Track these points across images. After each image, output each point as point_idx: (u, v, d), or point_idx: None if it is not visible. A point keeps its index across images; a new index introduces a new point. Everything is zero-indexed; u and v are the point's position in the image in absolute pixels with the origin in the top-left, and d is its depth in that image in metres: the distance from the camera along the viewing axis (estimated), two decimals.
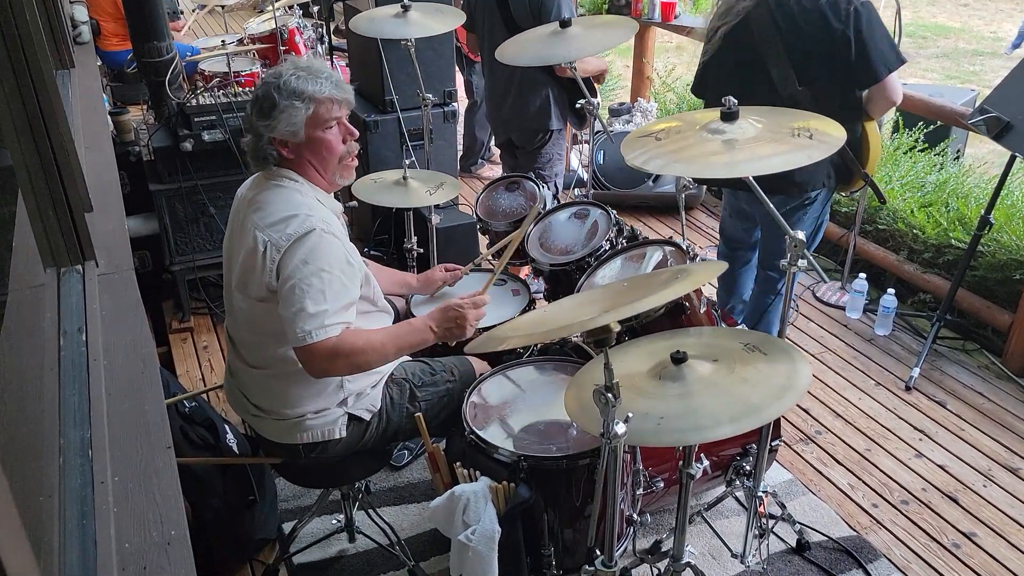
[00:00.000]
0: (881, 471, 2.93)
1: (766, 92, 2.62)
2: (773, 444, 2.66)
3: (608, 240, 2.43)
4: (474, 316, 2.12)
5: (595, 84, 3.55)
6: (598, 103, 2.73)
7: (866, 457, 3.00)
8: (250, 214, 2.00)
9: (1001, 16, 12.53)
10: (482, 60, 3.71)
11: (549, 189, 2.85)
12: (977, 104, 3.35)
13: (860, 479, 2.89)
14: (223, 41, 4.96)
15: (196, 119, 3.39)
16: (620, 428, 1.52)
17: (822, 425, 3.16)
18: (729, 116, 1.86)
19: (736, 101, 1.85)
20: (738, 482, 2.52)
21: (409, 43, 2.73)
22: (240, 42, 5.08)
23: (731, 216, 3.14)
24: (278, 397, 2.09)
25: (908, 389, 3.34)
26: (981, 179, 4.12)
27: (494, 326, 2.41)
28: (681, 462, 1.96)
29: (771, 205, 1.96)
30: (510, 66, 3.37)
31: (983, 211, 3.28)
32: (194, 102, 3.41)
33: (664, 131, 1.96)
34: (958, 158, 4.84)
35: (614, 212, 2.50)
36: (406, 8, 2.72)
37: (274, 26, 5.13)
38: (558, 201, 3.30)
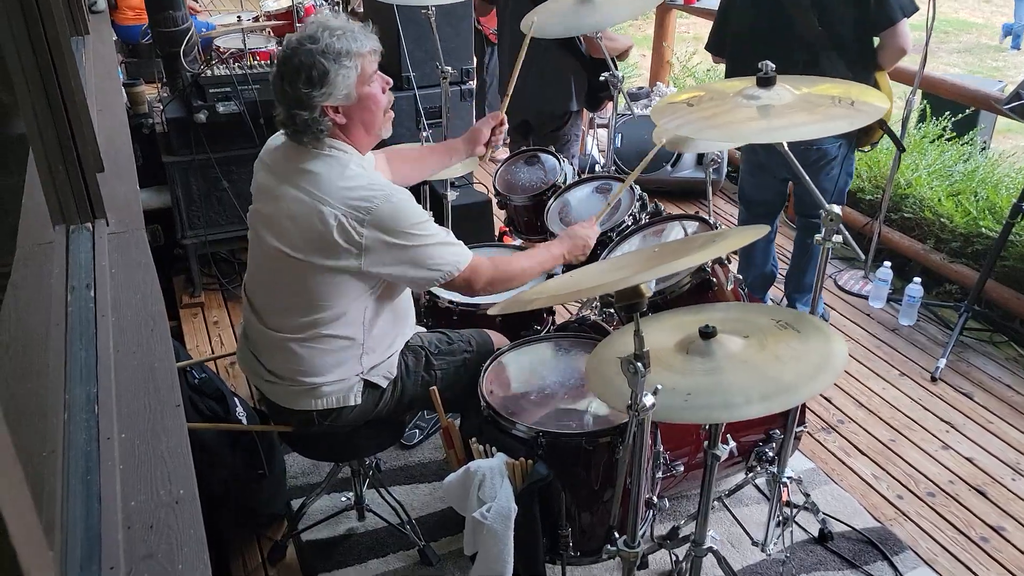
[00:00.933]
0: (906, 462, 2.85)
1: (787, 39, 2.63)
2: (797, 431, 2.59)
3: (631, 215, 2.36)
4: (594, 237, 2.23)
5: (617, 62, 3.47)
6: (621, 77, 2.64)
7: (890, 448, 2.92)
8: (303, 185, 1.89)
9: None
10: (500, 37, 3.64)
11: (571, 164, 2.77)
12: (1007, 92, 3.25)
13: (884, 470, 2.82)
14: (239, 17, 4.89)
15: (211, 90, 3.33)
16: (649, 400, 1.46)
17: (844, 414, 3.08)
18: (766, 81, 1.78)
19: (774, 66, 1.77)
20: (760, 468, 2.45)
21: (429, 11, 2.65)
22: (255, 19, 5.01)
23: (751, 174, 3.13)
24: (297, 363, 2.02)
25: (934, 380, 3.26)
26: (1012, 167, 4.02)
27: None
28: (707, 442, 1.89)
29: (804, 174, 1.89)
30: (531, 45, 3.31)
31: (1016, 199, 3.19)
32: (208, 73, 3.35)
33: (696, 98, 1.89)
34: (984, 149, 4.74)
35: (638, 187, 2.43)
36: None
37: (290, 3, 5.05)
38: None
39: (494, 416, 1.96)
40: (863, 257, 2.18)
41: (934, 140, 4.27)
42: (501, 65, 3.66)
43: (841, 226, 1.91)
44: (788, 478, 2.24)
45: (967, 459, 2.87)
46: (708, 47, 3.14)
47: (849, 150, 2.96)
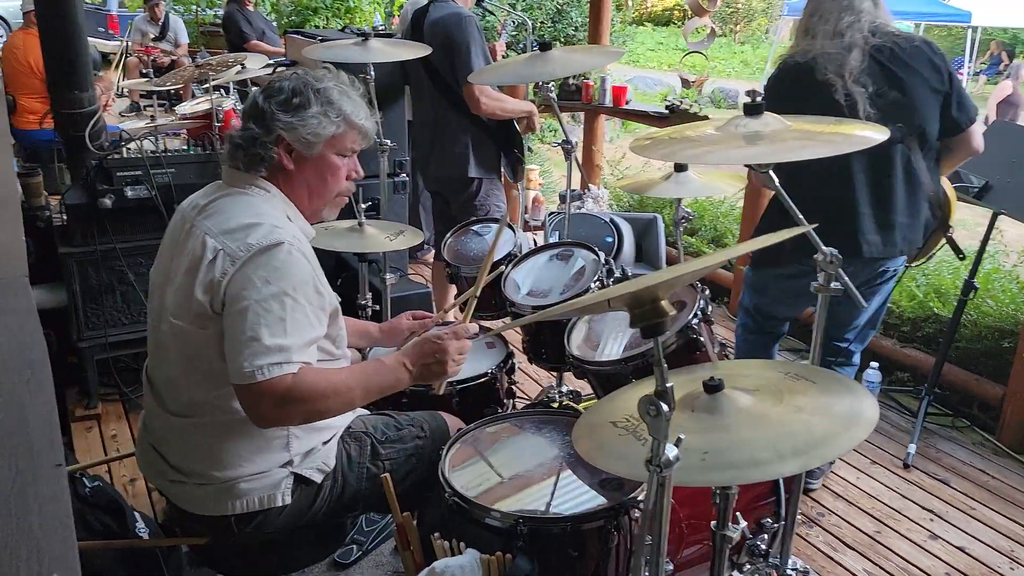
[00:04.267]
0: (897, 555, 2.60)
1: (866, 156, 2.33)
2: (781, 524, 2.32)
3: (598, 282, 2.14)
4: (456, 349, 1.75)
5: (521, 128, 3.36)
6: (574, 143, 2.49)
7: (878, 540, 2.67)
8: (200, 220, 1.65)
9: None
10: (413, 111, 3.57)
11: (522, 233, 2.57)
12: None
13: (877, 564, 2.55)
14: (152, 117, 4.65)
15: (119, 173, 3.03)
16: (672, 451, 1.18)
17: (823, 507, 2.84)
18: (753, 109, 1.63)
19: (763, 94, 1.63)
20: (751, 565, 2.15)
21: (369, 75, 2.48)
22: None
23: (778, 301, 2.77)
24: (205, 454, 1.66)
25: (907, 467, 3.07)
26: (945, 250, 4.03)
27: (470, 380, 2.07)
28: (714, 523, 1.60)
29: (788, 199, 1.69)
30: (431, 115, 3.23)
31: (966, 275, 3.14)
32: (117, 156, 3.06)
33: (675, 133, 1.73)
34: None
35: (603, 254, 2.22)
36: (366, 37, 2.49)
37: (208, 105, 4.85)
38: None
39: (461, 504, 1.62)
40: (864, 304, 2.01)
41: None
42: (412, 141, 3.55)
43: (840, 271, 1.74)
44: (795, 569, 1.95)
45: (958, 548, 2.64)
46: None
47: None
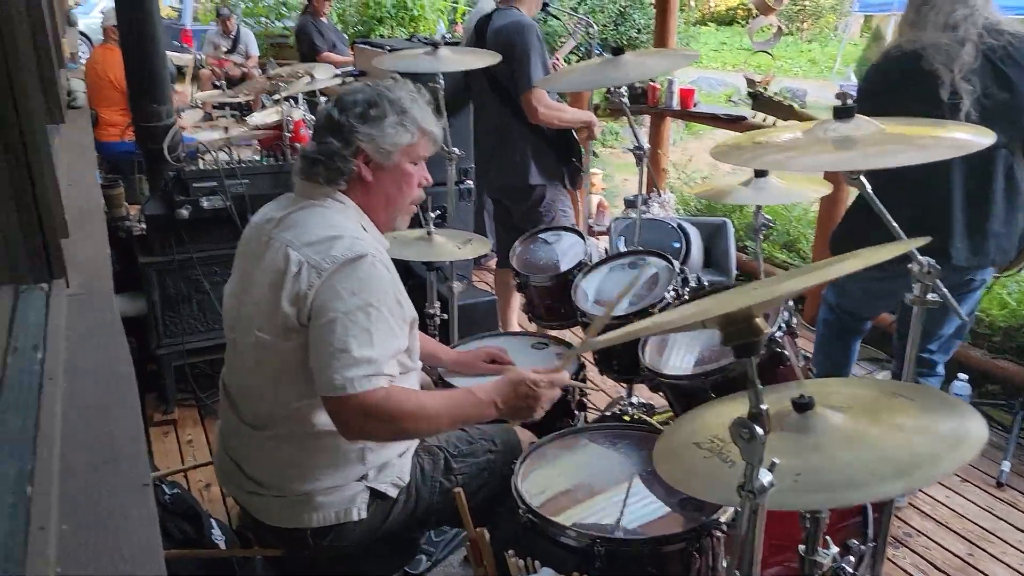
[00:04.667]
0: None
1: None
2: (870, 546, 2.21)
3: (673, 290, 2.08)
4: (548, 397, 1.73)
5: (581, 138, 3.32)
6: (647, 149, 2.44)
7: (970, 563, 2.54)
8: (279, 233, 1.66)
9: None
10: (474, 119, 3.58)
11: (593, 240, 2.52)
12: None
13: None
14: (226, 128, 4.76)
15: (195, 185, 3.09)
16: (766, 477, 1.12)
17: (911, 527, 2.71)
18: (844, 112, 1.56)
19: (853, 96, 1.55)
20: None
21: (438, 84, 2.47)
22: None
23: (860, 302, 2.74)
24: (283, 466, 1.67)
25: (1000, 486, 2.91)
26: None
27: None
28: (803, 546, 1.53)
29: (882, 208, 1.61)
30: (492, 123, 3.21)
31: None
32: (193, 167, 3.12)
33: (758, 137, 1.66)
34: None
35: (677, 262, 2.16)
36: (436, 46, 2.48)
37: (278, 117, 4.94)
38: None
39: (536, 520, 1.59)
40: (964, 318, 1.91)
41: None
42: (475, 153, 3.57)
43: (938, 282, 1.64)
44: None
45: None
46: None
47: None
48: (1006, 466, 2.95)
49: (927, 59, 2.24)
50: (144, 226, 3.26)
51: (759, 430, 1.08)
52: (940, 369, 2.70)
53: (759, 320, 1.05)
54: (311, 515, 1.68)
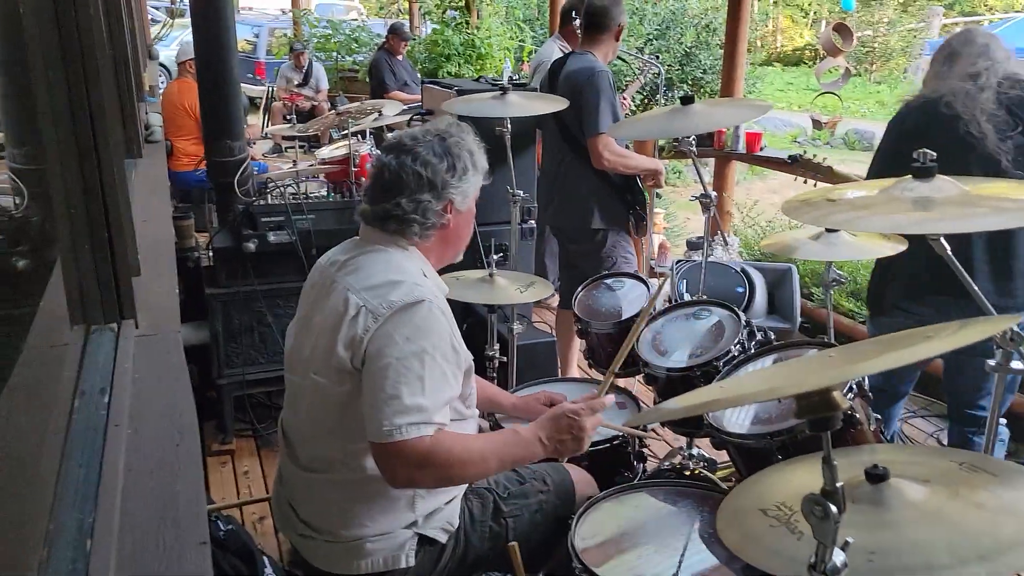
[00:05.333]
0: None
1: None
2: None
3: (739, 344, 2.02)
4: (592, 425, 1.70)
5: (647, 186, 3.29)
6: (715, 196, 2.40)
7: None
8: (341, 276, 1.68)
9: None
10: (542, 158, 3.59)
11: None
12: None
13: None
14: (294, 162, 4.87)
15: (263, 219, 3.16)
16: (839, 557, 1.06)
17: None
18: (924, 172, 1.50)
19: (934, 154, 1.50)
20: None
21: (505, 128, 2.48)
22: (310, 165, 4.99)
23: (910, 367, 2.66)
24: (333, 511, 1.67)
25: None
26: None
27: (600, 443, 1.99)
28: None
29: (961, 269, 1.56)
30: (556, 163, 3.23)
31: None
32: (262, 202, 3.19)
33: (837, 193, 1.61)
34: None
35: (742, 313, 2.11)
36: (504, 91, 2.50)
37: (347, 151, 5.04)
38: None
39: None
40: None
41: None
42: (538, 189, 3.57)
43: (1022, 349, 1.56)
44: None
45: None
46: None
47: None
48: None
49: (947, 104, 2.33)
50: (212, 257, 3.34)
51: (834, 509, 1.03)
52: (1002, 431, 2.57)
53: (836, 395, 1.01)
54: (360, 562, 1.67)
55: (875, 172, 2.51)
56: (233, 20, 3.30)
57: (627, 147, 3.36)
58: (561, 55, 3.36)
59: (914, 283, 2.39)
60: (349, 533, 1.67)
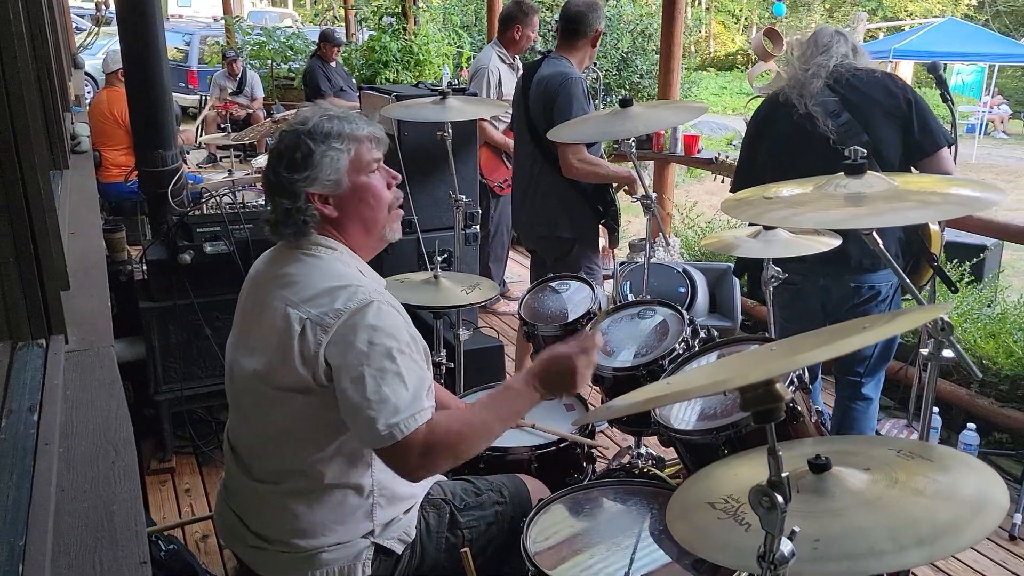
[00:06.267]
0: None
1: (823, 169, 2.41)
2: None
3: (683, 342, 2.05)
4: (585, 364, 1.64)
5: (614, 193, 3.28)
6: (655, 197, 2.43)
7: None
8: (276, 290, 1.62)
9: None
10: (513, 162, 3.54)
11: (601, 289, 2.50)
12: None
13: None
14: (229, 171, 4.78)
15: (199, 229, 3.08)
16: (787, 546, 1.08)
17: None
18: (855, 169, 1.54)
19: (864, 152, 1.54)
20: None
21: (446, 133, 2.47)
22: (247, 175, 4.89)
23: (788, 322, 2.79)
24: (290, 521, 1.62)
25: (1013, 539, 2.85)
26: None
27: (549, 445, 1.99)
28: None
29: (891, 259, 1.62)
30: (526, 169, 3.20)
31: None
32: (197, 212, 3.11)
33: (768, 192, 1.65)
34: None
35: (686, 312, 2.14)
36: (444, 95, 2.49)
37: None
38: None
39: None
40: (979, 375, 1.89)
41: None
42: (512, 192, 3.52)
43: (952, 339, 1.62)
44: None
45: None
46: (734, 191, 2.96)
47: (899, 292, 2.67)
48: (1018, 518, 2.89)
49: (785, 94, 2.60)
50: (146, 270, 3.25)
51: (780, 499, 1.04)
52: (874, 399, 2.78)
53: (779, 386, 1.02)
54: (315, 572, 1.64)
55: (739, 159, 2.90)
56: (162, 28, 3.22)
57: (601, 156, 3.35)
58: (537, 59, 3.31)
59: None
60: (305, 543, 1.63)
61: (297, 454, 1.60)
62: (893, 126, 2.48)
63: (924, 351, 1.64)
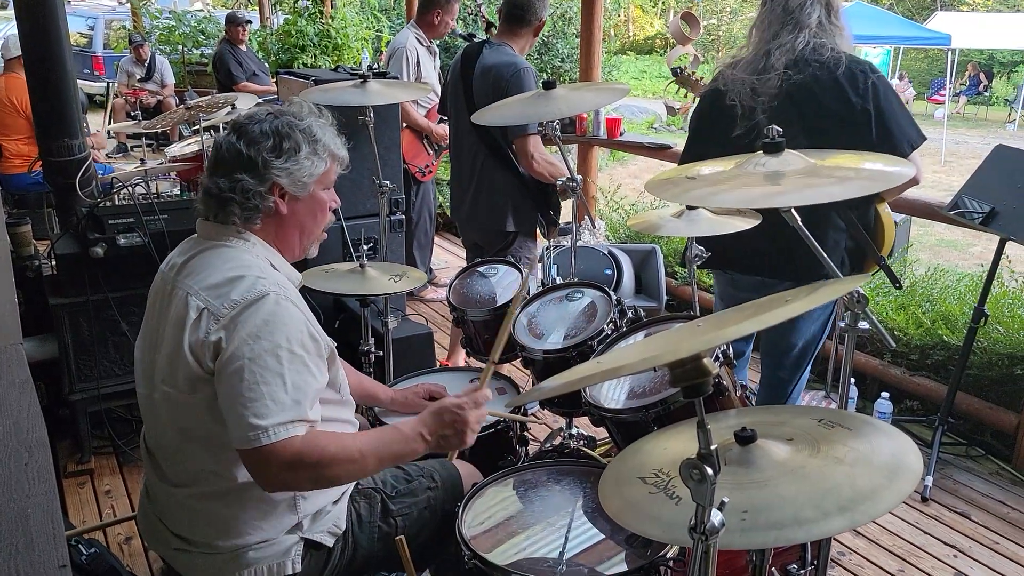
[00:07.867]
0: None
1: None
2: (810, 568, 2.24)
3: (611, 322, 2.07)
4: (476, 418, 1.66)
5: (563, 197, 3.27)
6: (579, 180, 2.44)
7: None
8: (181, 280, 1.58)
9: None
10: (450, 151, 3.49)
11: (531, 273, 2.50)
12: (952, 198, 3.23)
13: None
14: (142, 160, 4.59)
15: (111, 221, 2.95)
16: (717, 517, 1.11)
17: (844, 545, 2.76)
18: (773, 147, 1.58)
19: (781, 130, 1.58)
20: None
21: (368, 118, 2.43)
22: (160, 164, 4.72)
23: (721, 299, 2.84)
24: (210, 523, 1.58)
25: (925, 500, 3.00)
26: (952, 276, 4.02)
27: (482, 429, 1.99)
28: None
29: (812, 240, 1.66)
30: (469, 163, 3.16)
31: (977, 303, 3.10)
32: (108, 203, 2.99)
33: (689, 172, 1.67)
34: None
35: (615, 294, 2.16)
36: (364, 79, 2.44)
37: (199, 148, 4.80)
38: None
39: (483, 566, 1.54)
40: (892, 345, 1.97)
41: None
42: (451, 184, 3.47)
43: (868, 311, 1.68)
44: None
45: None
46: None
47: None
48: (929, 481, 3.04)
49: (730, 95, 2.37)
50: (55, 265, 3.10)
51: (710, 471, 1.07)
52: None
53: (707, 361, 1.04)
54: (242, 572, 1.59)
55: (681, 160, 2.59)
56: (63, 11, 3.06)
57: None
58: (475, 43, 3.22)
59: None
60: (229, 543, 1.59)
61: (206, 455, 1.56)
62: (847, 133, 2.27)
63: (841, 323, 1.70)
